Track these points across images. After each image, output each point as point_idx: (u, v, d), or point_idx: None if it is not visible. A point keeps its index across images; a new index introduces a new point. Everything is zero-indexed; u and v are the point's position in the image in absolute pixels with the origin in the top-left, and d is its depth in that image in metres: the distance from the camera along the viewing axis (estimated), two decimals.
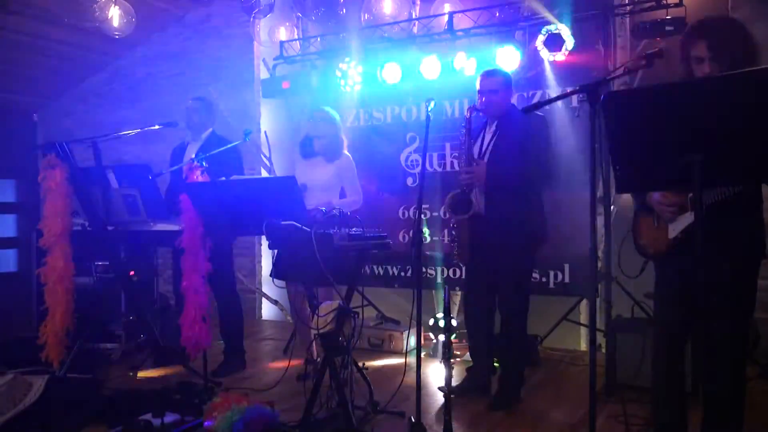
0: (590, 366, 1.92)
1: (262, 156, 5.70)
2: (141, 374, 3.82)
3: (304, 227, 2.61)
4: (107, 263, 4.06)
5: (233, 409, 2.79)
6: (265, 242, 5.95)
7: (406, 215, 4.84)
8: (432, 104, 2.93)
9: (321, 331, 2.71)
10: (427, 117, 2.92)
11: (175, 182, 3.59)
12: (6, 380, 2.96)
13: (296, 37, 5.57)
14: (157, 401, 3.04)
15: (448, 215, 3.24)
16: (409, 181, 4.86)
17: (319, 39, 5.38)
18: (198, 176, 3.18)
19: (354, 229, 2.68)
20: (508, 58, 4.14)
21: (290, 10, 5.59)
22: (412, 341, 4.49)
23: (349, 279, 2.80)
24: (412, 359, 4.20)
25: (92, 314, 3.78)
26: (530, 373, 3.38)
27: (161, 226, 3.37)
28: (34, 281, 4.05)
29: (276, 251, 3.38)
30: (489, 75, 3.32)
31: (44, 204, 3.21)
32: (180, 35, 6.55)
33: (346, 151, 3.67)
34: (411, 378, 3.76)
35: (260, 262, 6.09)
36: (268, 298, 5.91)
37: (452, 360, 4.04)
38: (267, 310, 6.13)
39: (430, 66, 4.48)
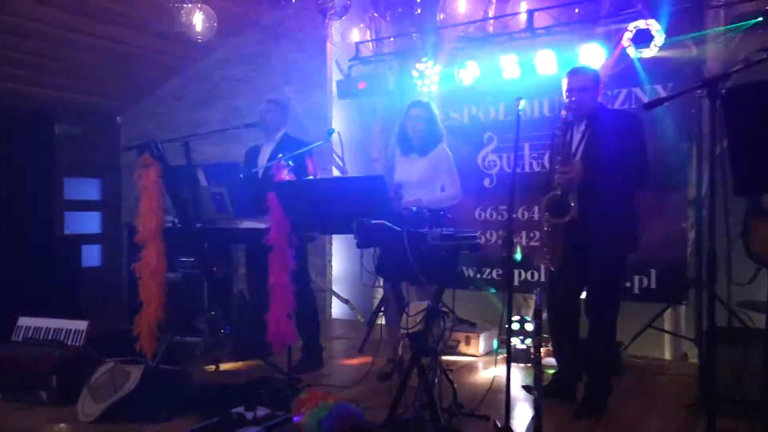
0: (705, 377, 1.82)
1: (335, 156, 5.75)
2: (223, 368, 3.92)
3: (394, 227, 2.61)
4: (192, 259, 4.19)
5: (320, 406, 2.82)
6: (336, 241, 6.08)
7: (483, 216, 4.79)
8: (522, 103, 2.88)
9: (410, 330, 2.70)
10: (518, 117, 2.88)
11: (256, 182, 3.66)
12: (108, 368, 3.10)
13: (369, 38, 5.61)
14: (243, 395, 3.12)
15: (544, 218, 3.15)
16: (486, 182, 4.80)
17: (392, 39, 5.39)
18: (285, 175, 3.24)
19: (445, 228, 2.66)
20: (592, 55, 4.03)
21: (363, 12, 5.64)
22: (491, 344, 4.45)
23: (440, 279, 2.77)
24: (486, 360, 4.21)
25: (179, 308, 3.90)
26: (615, 381, 3.27)
27: (247, 224, 3.44)
28: (126, 274, 4.22)
29: (378, 250, 3.42)
30: (577, 72, 3.24)
31: (139, 201, 3.33)
32: (254, 38, 6.70)
33: (443, 145, 3.65)
34: (485, 379, 3.76)
35: (330, 261, 6.16)
36: (338, 297, 5.97)
37: (531, 364, 3.99)
38: (336, 309, 6.19)
39: (509, 65, 4.42)
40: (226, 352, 4.06)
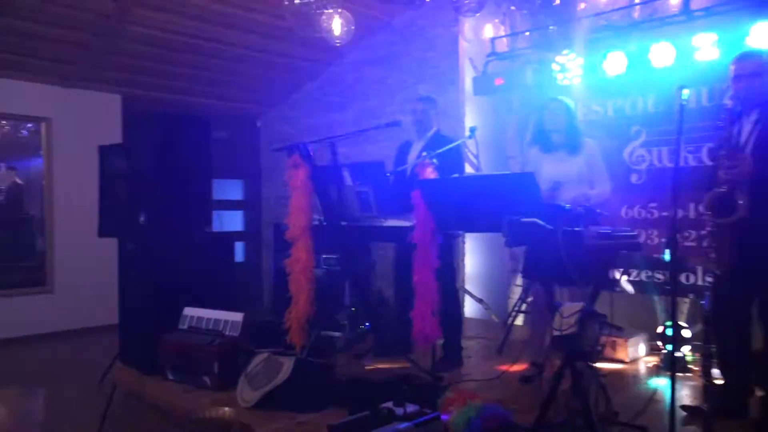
0: None
1: (469, 154, 5.70)
2: (365, 363, 4.02)
3: (547, 225, 2.53)
4: (335, 256, 4.33)
5: (468, 405, 2.81)
6: (469, 240, 6.02)
7: (629, 214, 4.52)
8: (686, 92, 2.68)
9: (563, 332, 2.60)
10: (681, 108, 2.68)
11: (403, 179, 3.70)
12: (263, 358, 3.28)
13: (503, 33, 5.50)
14: (387, 390, 3.17)
15: (706, 217, 2.91)
16: (634, 177, 4.52)
17: (528, 33, 5.25)
18: (430, 173, 3.25)
19: (602, 227, 2.53)
20: (764, 36, 3.64)
21: (497, 7, 5.53)
22: (638, 350, 4.19)
23: (596, 280, 2.65)
24: (635, 367, 3.98)
25: (322, 304, 4.05)
26: None
27: (391, 222, 3.49)
28: (271, 270, 4.45)
29: (525, 250, 3.35)
30: (747, 57, 2.95)
31: (290, 200, 3.49)
32: (386, 40, 6.81)
33: (589, 140, 3.50)
34: (636, 387, 3.54)
35: (464, 259, 6.11)
36: (472, 296, 5.91)
37: (684, 374, 3.71)
38: (469, 309, 6.13)
39: (661, 53, 4.12)
40: (369, 348, 4.15)
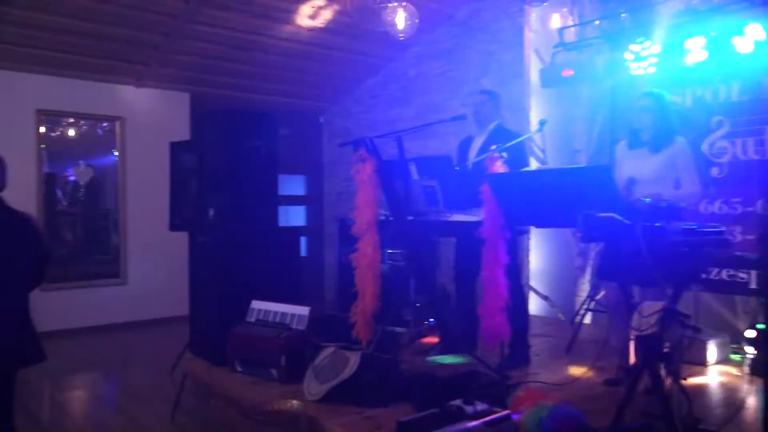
0: None
1: (535, 148, 5.56)
2: (430, 359, 3.98)
3: (626, 220, 2.41)
4: (399, 251, 4.30)
5: (540, 406, 2.72)
6: (534, 236, 5.88)
7: (709, 210, 4.28)
8: None
9: (642, 332, 2.49)
10: None
11: (470, 174, 3.64)
12: (330, 352, 3.29)
13: (572, 23, 5.32)
14: (453, 387, 3.12)
15: None
16: (714, 171, 4.28)
17: (598, 22, 5.05)
18: (498, 167, 3.17)
19: (686, 222, 2.39)
20: None
21: None
22: (719, 352, 3.99)
23: (679, 280, 2.51)
24: (717, 371, 3.77)
25: (387, 299, 4.03)
26: None
27: (457, 217, 3.44)
28: (336, 265, 4.46)
29: (601, 249, 3.23)
30: None
31: (356, 195, 3.48)
32: (449, 33, 6.73)
33: (680, 138, 3.32)
34: (719, 392, 3.35)
35: (528, 256, 5.98)
36: (538, 293, 5.78)
37: None
38: (534, 306, 5.99)
39: (747, 37, 3.87)
40: (435, 344, 4.11)
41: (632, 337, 2.57)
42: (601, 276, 3.28)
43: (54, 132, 6.74)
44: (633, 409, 2.59)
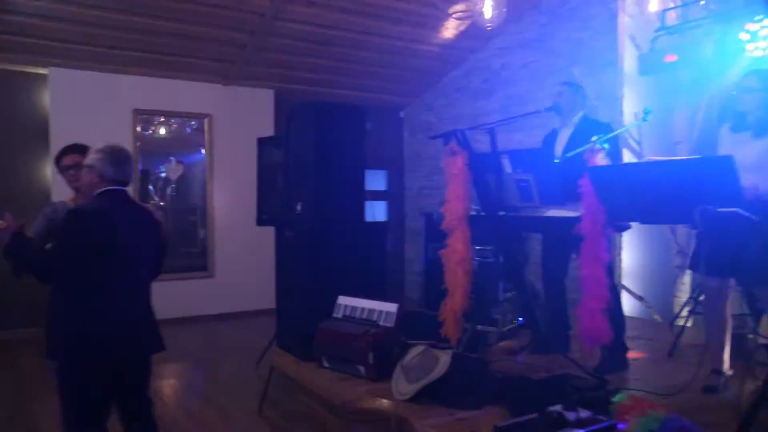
0: None
1: (630, 140, 5.26)
2: (519, 360, 3.82)
3: (753, 216, 2.18)
4: (488, 248, 4.16)
5: (649, 415, 2.53)
6: (627, 232, 5.57)
7: None
8: None
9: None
10: None
11: (566, 167, 3.45)
12: (419, 351, 3.21)
13: (673, 4, 4.98)
14: (549, 391, 2.96)
15: None
16: None
17: (703, 2, 4.69)
18: (600, 159, 2.98)
19: None
20: None
21: None
22: None
23: None
24: None
25: (476, 296, 3.90)
26: None
27: (553, 212, 3.26)
28: (423, 261, 4.37)
29: (698, 242, 2.98)
30: None
31: (447, 189, 3.37)
32: (535, 22, 6.48)
33: None
34: None
35: (620, 254, 5.67)
36: (631, 293, 5.47)
37: None
38: (627, 306, 5.68)
39: None
40: (526, 344, 3.95)
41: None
42: (711, 273, 2.99)
43: (147, 130, 7.03)
44: (758, 427, 2.36)
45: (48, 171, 6.32)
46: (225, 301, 7.07)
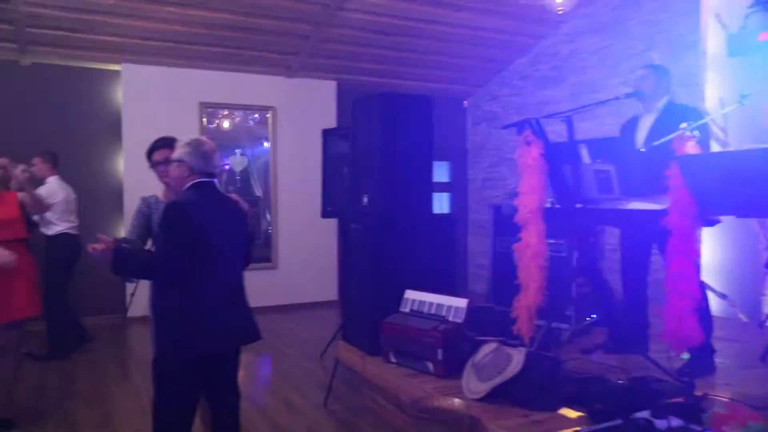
0: None
1: (714, 127, 4.92)
2: (594, 359, 3.63)
3: None
4: (561, 242, 3.98)
5: (750, 427, 2.32)
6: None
7: None
8: None
9: None
10: None
11: (651, 156, 3.23)
12: (492, 348, 3.08)
13: None
14: (631, 395, 2.78)
15: None
16: None
17: None
18: (691, 148, 2.76)
19: None
20: None
21: None
22: None
23: None
24: None
25: (548, 293, 3.74)
26: None
27: (636, 205, 3.06)
28: (492, 253, 4.22)
29: None
30: None
31: (521, 180, 3.22)
32: (608, 5, 6.18)
33: None
34: None
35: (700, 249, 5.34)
36: (714, 291, 5.14)
37: None
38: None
39: None
40: (603, 342, 3.76)
41: None
42: None
43: (211, 123, 7.14)
44: None
45: (120, 165, 6.50)
46: (287, 293, 7.12)
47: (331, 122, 7.13)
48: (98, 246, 2.38)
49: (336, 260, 7.43)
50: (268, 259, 7.23)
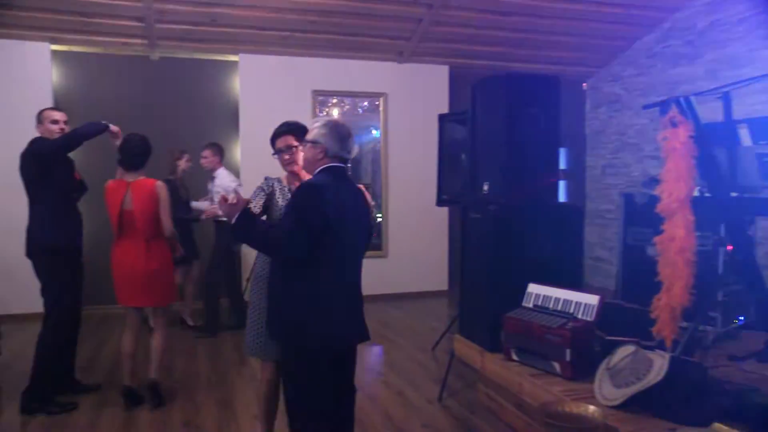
0: None
1: None
2: (746, 368, 3.23)
3: None
4: (708, 234, 3.56)
5: None
6: None
7: None
8: None
9: None
10: None
11: None
12: (630, 352, 2.81)
13: None
14: None
15: None
16: None
17: None
18: None
19: None
20: None
21: None
22: None
23: None
24: None
25: (697, 292, 3.36)
26: None
27: None
28: (621, 246, 3.89)
29: None
30: None
31: (664, 166, 2.89)
32: None
33: None
34: None
35: None
36: None
37: None
38: None
39: None
40: (750, 348, 3.34)
41: None
42: None
43: (321, 111, 7.17)
44: None
45: (238, 152, 6.69)
46: (397, 282, 7.05)
47: (444, 108, 6.94)
48: (232, 197, 2.33)
49: (447, 250, 7.26)
50: (378, 248, 7.19)
